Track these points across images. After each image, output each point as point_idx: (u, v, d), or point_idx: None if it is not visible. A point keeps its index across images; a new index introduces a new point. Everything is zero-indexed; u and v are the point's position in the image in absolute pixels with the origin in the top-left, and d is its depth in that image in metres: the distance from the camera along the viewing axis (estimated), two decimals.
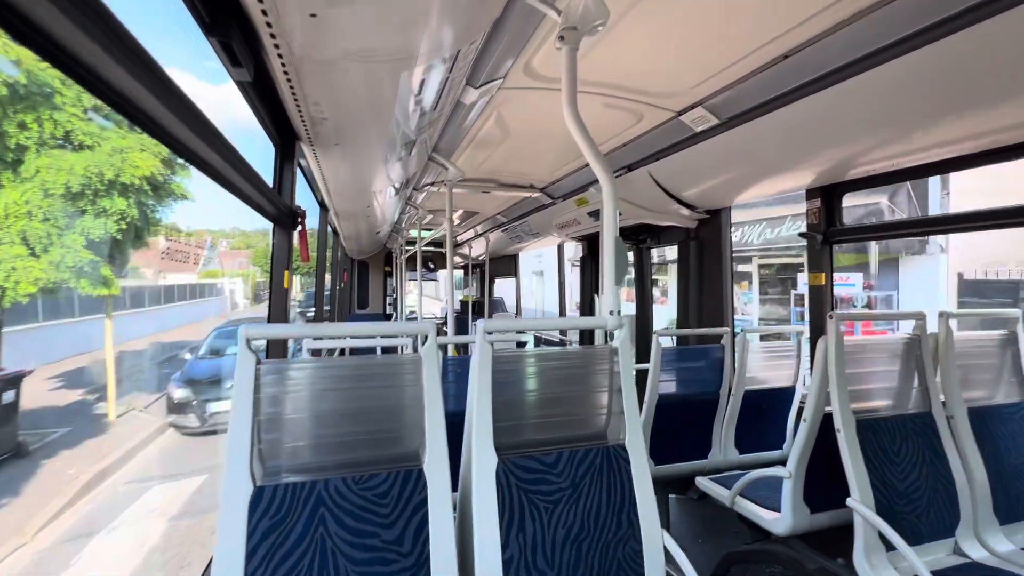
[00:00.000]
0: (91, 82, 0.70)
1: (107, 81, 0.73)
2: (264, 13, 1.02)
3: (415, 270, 5.18)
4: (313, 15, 1.02)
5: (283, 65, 1.26)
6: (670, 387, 2.68)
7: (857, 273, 8.86)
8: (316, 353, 4.40)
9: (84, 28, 0.61)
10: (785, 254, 10.73)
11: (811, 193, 2.60)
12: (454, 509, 1.26)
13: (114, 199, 8.08)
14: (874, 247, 8.95)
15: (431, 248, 6.36)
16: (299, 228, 1.95)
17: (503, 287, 8.55)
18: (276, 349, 1.84)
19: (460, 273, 8.66)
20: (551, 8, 1.33)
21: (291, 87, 1.40)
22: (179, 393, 8.37)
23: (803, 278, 9.53)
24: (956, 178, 7.30)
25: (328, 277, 5.61)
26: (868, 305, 8.60)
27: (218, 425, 7.89)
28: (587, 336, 4.92)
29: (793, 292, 10.52)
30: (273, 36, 1.11)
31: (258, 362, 1.10)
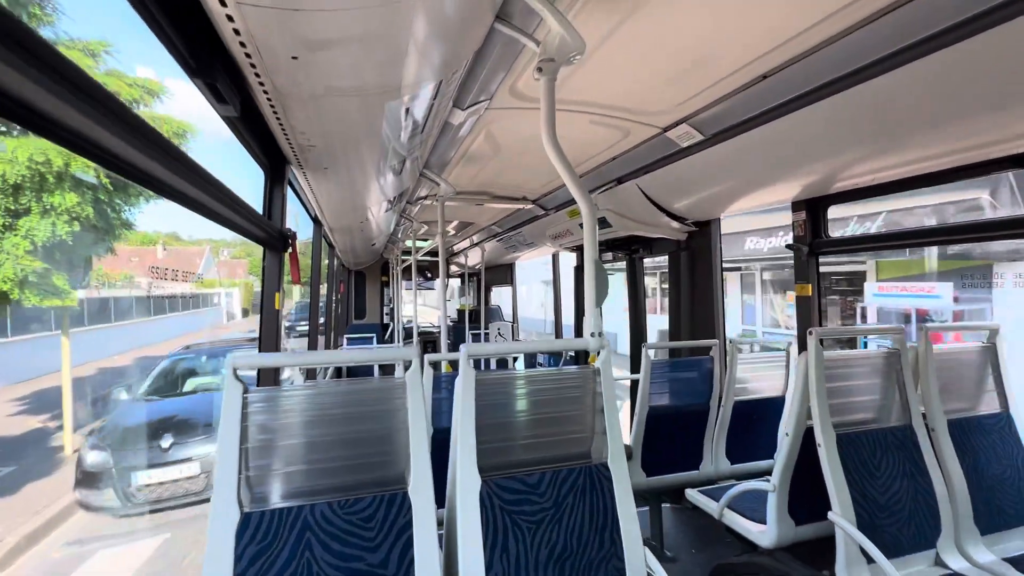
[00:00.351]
0: (57, 133, 0.72)
1: (75, 131, 0.75)
2: (248, 56, 1.05)
3: (411, 279, 5.21)
4: (295, 57, 1.06)
5: (269, 100, 1.29)
6: (662, 399, 2.70)
7: (947, 283, 6.96)
8: (311, 372, 4.43)
9: (41, 80, 0.63)
10: (852, 261, 8.88)
11: (797, 206, 2.64)
12: (441, 527, 1.28)
13: (65, 194, 6.32)
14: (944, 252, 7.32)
15: (427, 258, 6.39)
16: (290, 250, 1.98)
17: (506, 294, 8.58)
18: (267, 375, 1.87)
19: (458, 282, 8.70)
20: (530, 40, 1.37)
21: (278, 119, 1.44)
22: (92, 457, 5.19)
23: (871, 288, 7.99)
24: None
25: (324, 290, 5.64)
26: (955, 319, 6.81)
27: (158, 503, 5.18)
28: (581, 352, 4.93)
29: (859, 305, 8.56)
30: (258, 75, 1.14)
31: (244, 391, 1.13)
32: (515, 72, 1.72)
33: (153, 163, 0.93)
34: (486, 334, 6.51)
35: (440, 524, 1.29)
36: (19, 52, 0.58)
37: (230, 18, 0.91)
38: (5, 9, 0.56)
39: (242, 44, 1.01)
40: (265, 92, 1.25)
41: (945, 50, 1.27)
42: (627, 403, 4.55)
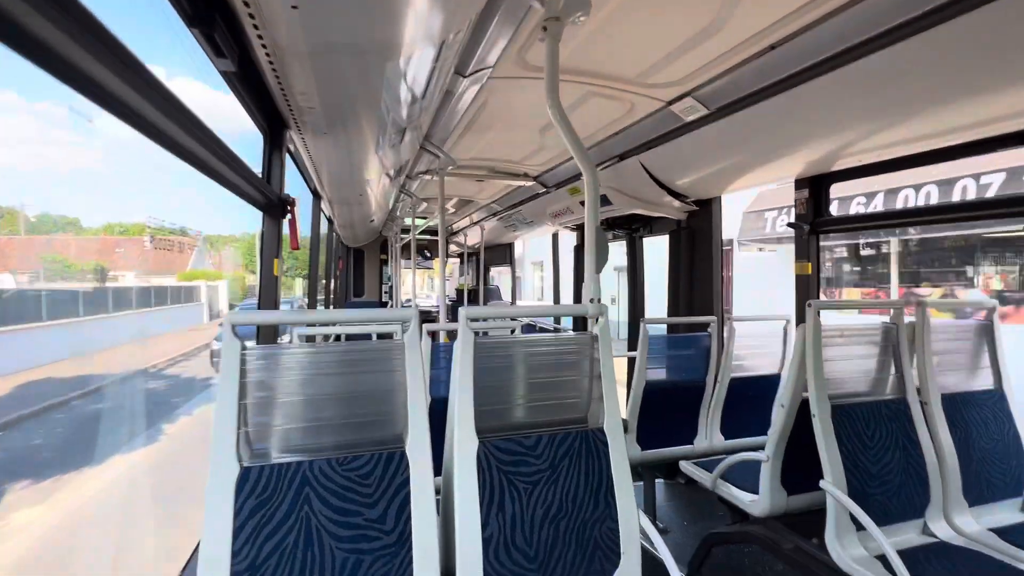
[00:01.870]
0: (69, 75, 0.71)
1: (86, 74, 0.74)
2: (246, 4, 1.03)
3: (410, 258, 5.20)
4: (295, 7, 1.04)
5: (268, 56, 1.27)
6: (659, 374, 2.72)
7: None
8: (310, 340, 4.44)
9: (60, 22, 0.62)
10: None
11: (800, 183, 2.62)
12: (438, 492, 1.30)
13: None
14: None
15: (426, 236, 6.38)
16: (289, 216, 1.97)
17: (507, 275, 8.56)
18: (267, 336, 1.88)
19: (458, 261, 8.69)
20: None
21: (277, 77, 1.41)
22: None
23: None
24: None
25: (322, 265, 5.63)
26: None
27: None
28: (581, 323, 4.96)
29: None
30: (256, 27, 1.12)
31: (242, 347, 1.14)
32: (519, 39, 1.69)
33: (157, 113, 0.91)
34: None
35: (437, 491, 1.31)
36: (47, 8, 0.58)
37: None
38: None
39: None
40: (264, 47, 1.22)
41: (954, 21, 1.25)
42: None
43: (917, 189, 6.35)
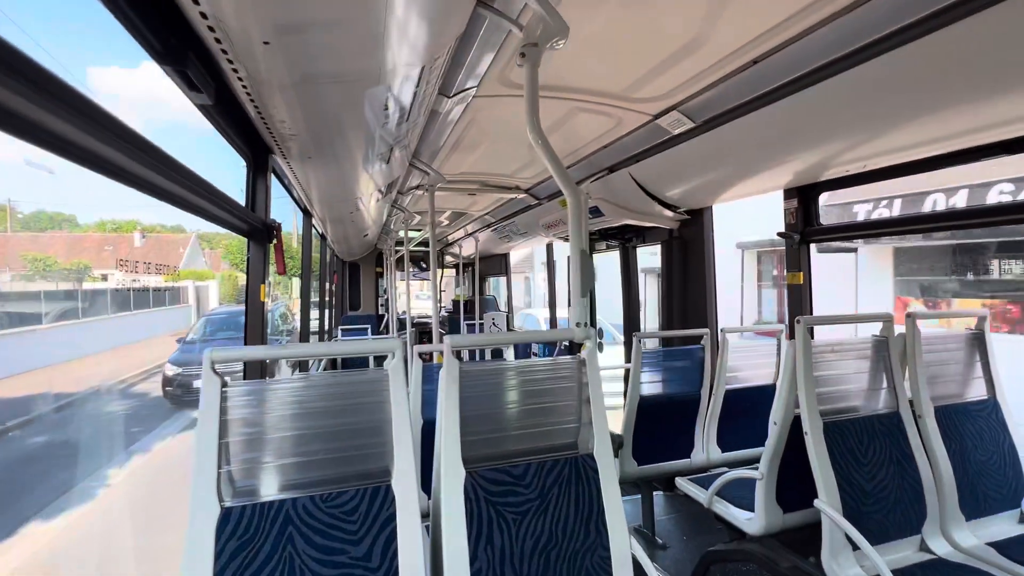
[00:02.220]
0: (25, 129, 0.69)
1: (42, 126, 0.72)
2: (218, 41, 1.02)
3: (405, 270, 5.19)
4: (267, 43, 1.03)
5: (244, 88, 1.26)
6: (654, 387, 2.71)
7: None
8: (303, 365, 4.40)
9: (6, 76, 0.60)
10: None
11: (789, 193, 2.62)
12: (427, 517, 1.28)
13: None
14: None
15: (421, 248, 6.37)
16: (275, 241, 1.95)
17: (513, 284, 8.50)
18: (254, 368, 1.85)
19: (453, 272, 8.67)
20: (513, 24, 1.33)
21: (256, 108, 1.40)
22: None
23: None
24: None
25: (315, 284, 5.59)
26: None
27: None
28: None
29: None
30: (231, 61, 1.11)
31: (223, 384, 1.12)
32: (502, 59, 1.69)
33: (123, 156, 0.90)
34: (481, 324, 6.51)
35: (427, 515, 1.28)
36: None
37: (195, 1, 0.88)
38: None
39: (211, 28, 0.97)
40: (240, 79, 1.21)
41: (935, 34, 1.25)
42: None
43: (949, 193, 5.44)
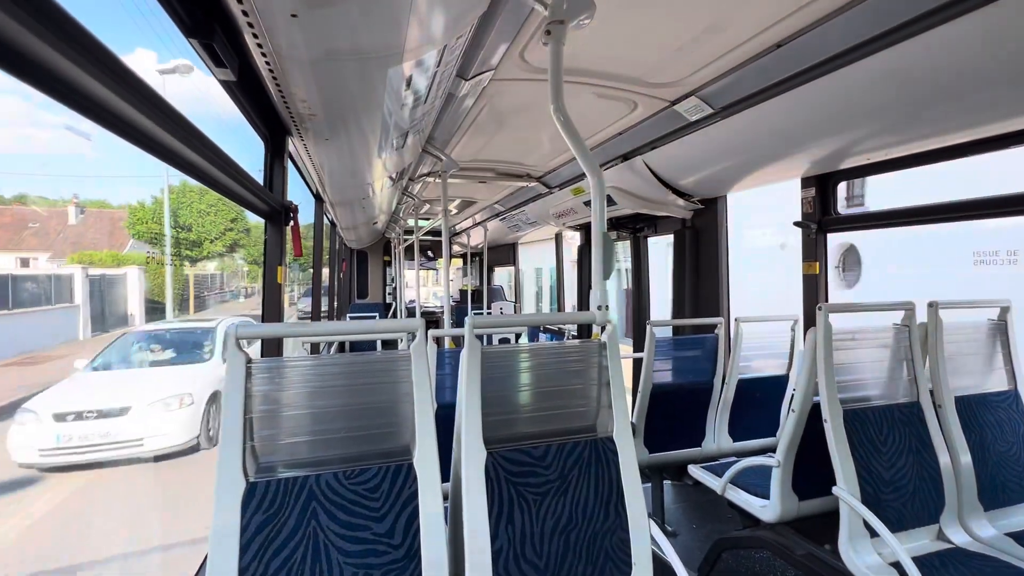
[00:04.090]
0: (64, 93, 0.69)
1: (80, 90, 0.72)
2: (245, 14, 1.01)
3: (414, 259, 5.20)
4: (294, 15, 1.02)
5: (267, 64, 1.25)
6: (665, 376, 2.71)
7: None
8: (315, 347, 4.44)
9: (52, 39, 0.60)
10: None
11: (806, 182, 2.59)
12: (446, 500, 1.29)
13: None
14: None
15: (429, 237, 6.37)
16: (291, 223, 1.95)
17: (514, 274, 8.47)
18: (271, 347, 1.86)
19: (461, 262, 8.67)
20: (538, 2, 1.31)
21: (277, 85, 1.40)
22: None
23: None
24: None
25: (326, 270, 5.62)
26: None
27: None
28: (584, 327, 4.94)
29: None
30: (256, 36, 1.10)
31: (248, 361, 1.12)
32: (520, 40, 1.67)
33: (154, 126, 0.90)
34: (488, 314, 6.52)
35: (445, 497, 1.29)
36: (36, 15, 0.56)
37: None
38: None
39: (239, 1, 0.96)
40: (264, 55, 1.20)
41: (964, 18, 1.23)
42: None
43: None
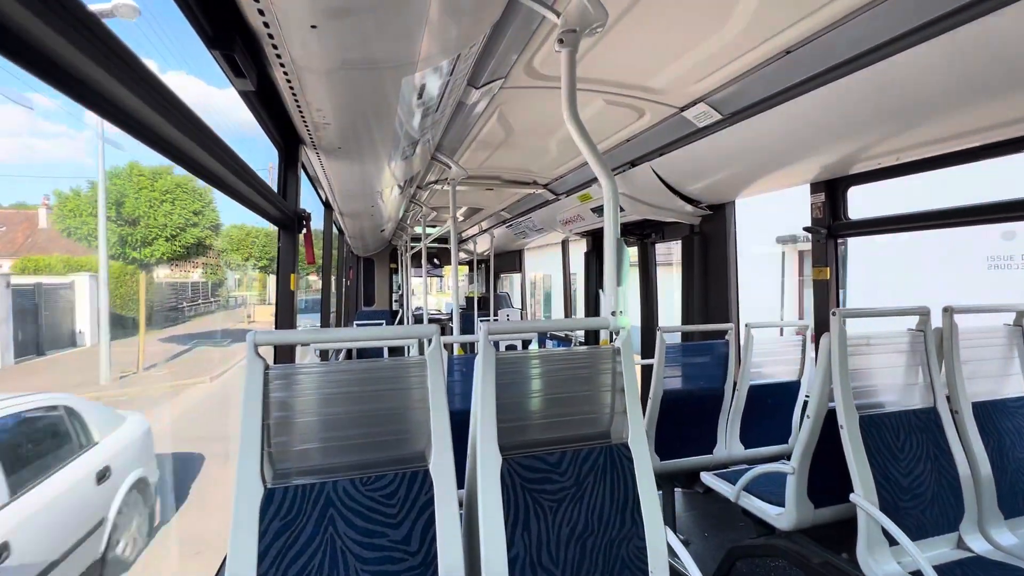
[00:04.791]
0: (88, 96, 0.71)
1: (104, 95, 0.74)
2: (266, 25, 1.03)
3: (420, 266, 5.21)
4: (314, 26, 1.04)
5: (285, 75, 1.27)
6: (675, 382, 2.69)
7: None
8: (324, 354, 4.45)
9: (77, 42, 0.61)
10: None
11: (815, 187, 2.59)
12: (460, 507, 1.28)
13: None
14: None
15: (436, 244, 6.40)
16: (304, 231, 1.97)
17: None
18: (284, 353, 1.88)
19: (467, 269, 8.69)
20: (550, 11, 1.33)
21: (294, 95, 1.42)
22: None
23: None
24: None
25: (333, 278, 5.65)
26: None
27: None
28: (592, 334, 4.93)
29: None
30: (275, 47, 1.12)
31: (266, 367, 1.13)
32: (531, 49, 1.69)
33: (175, 131, 0.92)
34: (495, 321, 6.52)
35: (460, 503, 1.28)
36: (61, 16, 0.57)
37: None
38: None
39: (260, 12, 0.98)
40: (282, 65, 1.23)
41: (968, 26, 1.23)
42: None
43: None
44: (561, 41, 1.39)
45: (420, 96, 1.63)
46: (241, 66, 1.12)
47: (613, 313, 1.41)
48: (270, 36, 1.08)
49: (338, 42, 1.13)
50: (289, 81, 1.32)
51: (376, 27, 1.10)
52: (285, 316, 1.87)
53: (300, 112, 1.57)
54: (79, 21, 0.61)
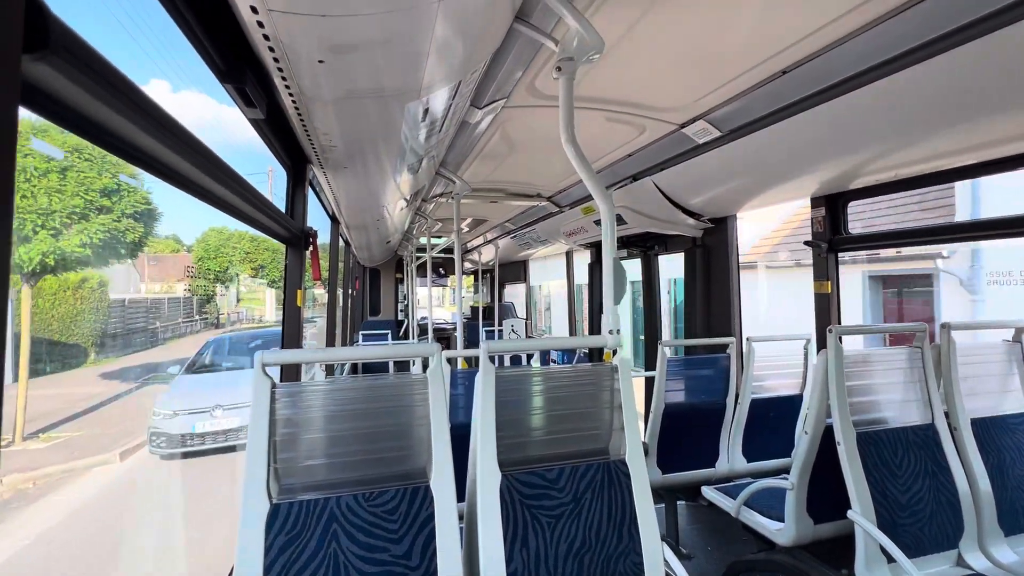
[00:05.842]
0: (85, 128, 0.74)
1: (102, 126, 0.77)
2: (276, 60, 1.08)
3: (426, 276, 5.26)
4: (321, 61, 1.09)
5: (294, 103, 1.33)
6: (678, 396, 2.70)
7: None
8: (330, 368, 4.50)
9: (81, 81, 0.63)
10: None
11: (816, 202, 2.61)
12: (461, 520, 1.31)
13: None
14: None
15: (441, 255, 6.45)
16: (311, 248, 2.02)
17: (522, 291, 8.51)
18: (290, 371, 1.92)
19: (472, 279, 8.74)
20: (548, 39, 1.38)
21: (302, 121, 1.47)
22: None
23: None
24: None
25: (339, 291, 5.71)
26: None
27: None
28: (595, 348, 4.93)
29: None
30: (284, 79, 1.17)
31: (273, 385, 1.17)
32: (533, 70, 1.73)
33: (179, 159, 0.96)
34: (500, 331, 6.54)
35: (460, 518, 1.31)
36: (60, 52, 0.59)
37: (260, 24, 0.94)
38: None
39: (271, 49, 1.03)
40: (291, 95, 1.28)
41: (966, 45, 1.26)
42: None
43: None
44: (559, 68, 1.43)
45: (424, 118, 1.67)
46: (252, 97, 1.18)
47: (611, 332, 1.44)
48: (279, 69, 1.13)
49: (344, 74, 1.18)
50: (297, 109, 1.37)
51: (382, 60, 1.15)
52: (292, 333, 1.91)
53: (308, 136, 1.62)
54: (81, 61, 0.63)
